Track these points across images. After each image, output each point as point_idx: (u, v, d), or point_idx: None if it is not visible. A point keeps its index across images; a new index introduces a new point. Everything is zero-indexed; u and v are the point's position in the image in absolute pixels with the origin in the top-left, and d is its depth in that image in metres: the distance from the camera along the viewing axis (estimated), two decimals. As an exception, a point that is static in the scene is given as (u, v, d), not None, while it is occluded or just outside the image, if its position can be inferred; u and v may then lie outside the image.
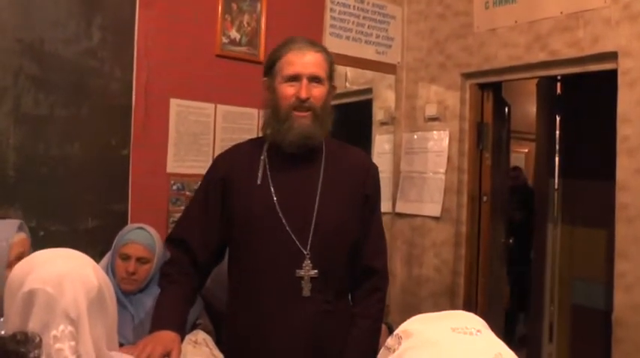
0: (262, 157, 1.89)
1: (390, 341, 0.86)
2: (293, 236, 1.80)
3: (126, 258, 2.14)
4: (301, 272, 1.79)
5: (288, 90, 1.81)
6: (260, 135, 2.07)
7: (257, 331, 1.81)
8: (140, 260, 2.14)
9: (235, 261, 1.92)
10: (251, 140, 2.07)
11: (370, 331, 1.90)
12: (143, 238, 2.19)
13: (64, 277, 1.16)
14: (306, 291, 1.79)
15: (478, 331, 0.81)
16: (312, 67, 1.82)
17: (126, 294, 2.13)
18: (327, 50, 1.91)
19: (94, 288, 1.20)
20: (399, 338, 0.84)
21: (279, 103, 1.83)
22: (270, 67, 1.88)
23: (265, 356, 1.80)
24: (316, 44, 1.90)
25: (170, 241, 1.97)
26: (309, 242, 1.80)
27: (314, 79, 1.82)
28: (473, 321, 0.84)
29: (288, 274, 1.79)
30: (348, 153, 1.98)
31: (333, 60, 1.92)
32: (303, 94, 1.79)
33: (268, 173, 1.86)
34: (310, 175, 1.87)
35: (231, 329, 1.90)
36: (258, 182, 1.84)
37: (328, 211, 1.83)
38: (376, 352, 1.92)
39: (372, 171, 1.98)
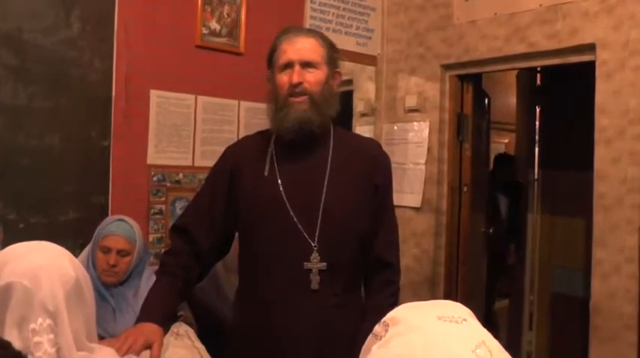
0: (270, 149, 1.87)
1: (377, 328, 0.87)
2: (300, 228, 1.77)
3: (106, 250, 2.14)
4: (309, 265, 1.76)
5: (283, 78, 1.80)
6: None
7: (265, 324, 1.79)
8: (120, 252, 2.14)
9: (244, 253, 1.89)
10: (260, 132, 2.03)
11: None
12: (123, 230, 2.18)
13: (41, 270, 1.15)
14: (315, 284, 1.76)
15: (464, 320, 0.82)
16: (304, 52, 1.79)
17: (107, 287, 2.13)
18: (322, 35, 1.88)
19: (71, 280, 1.19)
20: (386, 325, 0.85)
21: (277, 92, 1.82)
22: (269, 59, 1.87)
23: (273, 350, 1.78)
24: (310, 30, 1.88)
25: (174, 230, 1.92)
26: (317, 234, 1.77)
27: (307, 64, 1.79)
28: (459, 310, 0.86)
29: (297, 267, 1.76)
30: (357, 142, 1.95)
31: (332, 44, 1.88)
32: (295, 79, 1.76)
33: (275, 164, 1.84)
34: (318, 166, 1.84)
35: (239, 321, 1.89)
36: (266, 173, 1.82)
37: (336, 202, 1.79)
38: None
39: (382, 161, 1.93)
